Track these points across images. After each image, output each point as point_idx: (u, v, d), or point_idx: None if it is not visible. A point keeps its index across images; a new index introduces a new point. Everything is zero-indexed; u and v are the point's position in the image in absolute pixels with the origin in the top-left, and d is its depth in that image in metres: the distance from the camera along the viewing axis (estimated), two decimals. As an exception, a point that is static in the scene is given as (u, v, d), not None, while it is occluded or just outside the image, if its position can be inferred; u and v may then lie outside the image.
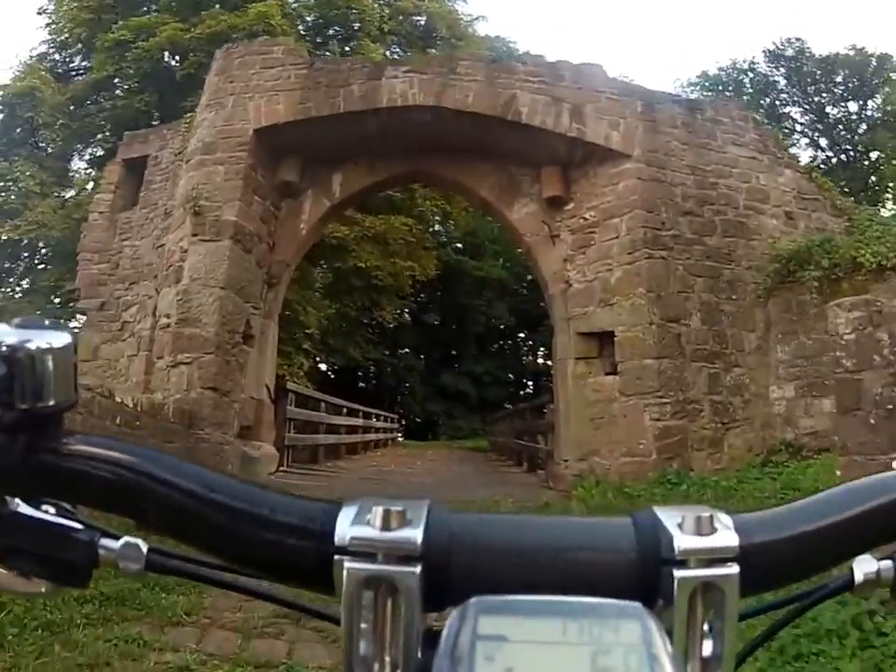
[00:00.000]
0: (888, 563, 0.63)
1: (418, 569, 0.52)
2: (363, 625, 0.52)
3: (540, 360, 55.21)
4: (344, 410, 22.84)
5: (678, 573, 0.53)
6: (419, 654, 0.52)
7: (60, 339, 0.60)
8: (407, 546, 0.53)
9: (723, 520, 0.56)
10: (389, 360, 47.73)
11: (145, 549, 0.61)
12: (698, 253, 14.05)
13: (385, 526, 0.53)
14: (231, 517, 0.59)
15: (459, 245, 49.16)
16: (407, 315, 48.57)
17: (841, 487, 0.64)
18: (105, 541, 0.61)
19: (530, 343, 56.00)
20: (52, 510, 0.63)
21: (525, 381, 56.69)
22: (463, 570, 0.54)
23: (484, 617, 0.48)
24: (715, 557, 0.54)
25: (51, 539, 0.61)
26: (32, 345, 0.58)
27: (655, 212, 13.92)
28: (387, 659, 0.52)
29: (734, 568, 0.54)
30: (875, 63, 41.97)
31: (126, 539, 0.62)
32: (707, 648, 0.54)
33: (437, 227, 36.03)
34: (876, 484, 0.63)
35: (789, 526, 0.59)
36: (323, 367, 42.35)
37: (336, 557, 0.54)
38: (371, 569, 0.52)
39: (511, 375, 53.89)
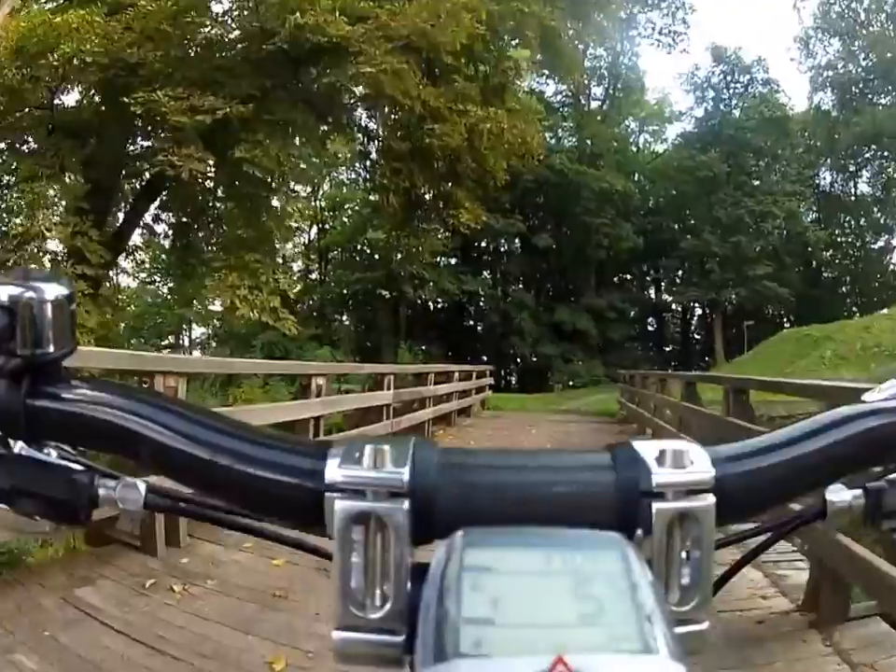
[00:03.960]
0: (858, 492, 0.59)
1: (406, 505, 0.49)
2: (354, 559, 0.49)
3: (665, 296, 45.46)
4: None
5: (656, 504, 0.50)
6: (408, 587, 0.49)
7: (58, 290, 0.56)
8: (394, 482, 0.49)
9: (699, 453, 0.53)
10: (492, 293, 37.03)
11: (143, 488, 0.57)
12: None
13: (373, 465, 0.50)
14: (224, 457, 0.55)
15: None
16: (516, 241, 38.00)
17: (812, 419, 0.60)
18: (104, 481, 0.57)
19: (652, 273, 45.07)
20: (54, 452, 0.58)
21: (647, 319, 46.27)
22: (448, 504, 0.51)
23: (470, 549, 0.45)
24: (691, 489, 0.51)
25: (53, 480, 0.57)
26: (32, 296, 0.55)
27: None
28: (377, 592, 0.49)
29: (709, 499, 0.51)
30: None
31: (125, 479, 0.57)
32: (686, 576, 0.51)
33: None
34: (846, 415, 0.59)
35: (762, 458, 0.56)
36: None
37: (327, 495, 0.51)
38: (360, 506, 0.49)
39: (630, 312, 42.87)
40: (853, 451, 0.57)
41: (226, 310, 13.36)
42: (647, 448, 0.52)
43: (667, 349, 45.90)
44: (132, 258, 19.14)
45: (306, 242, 37.49)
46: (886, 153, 40.91)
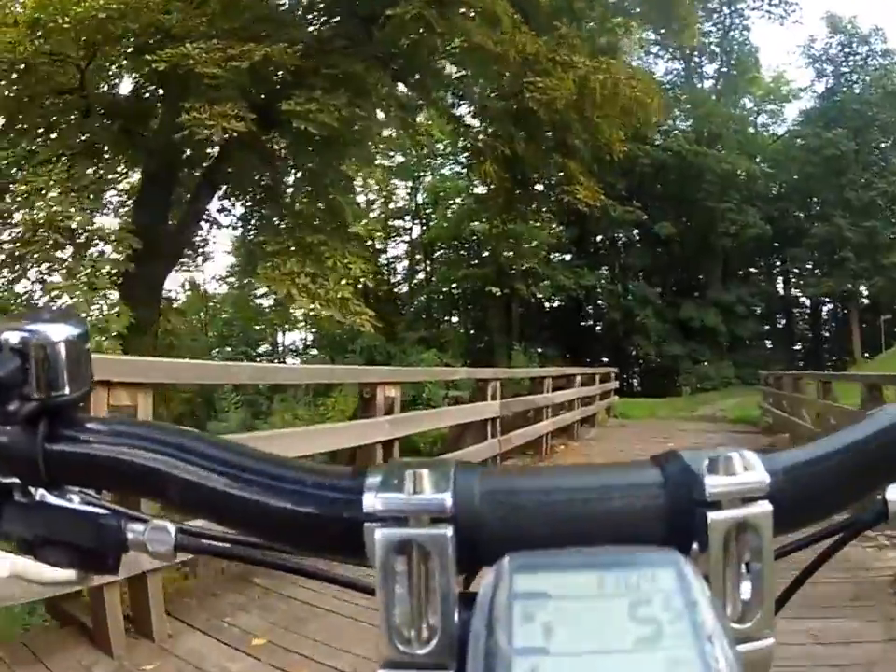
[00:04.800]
0: None
1: (450, 531, 0.47)
2: (398, 591, 0.47)
3: (795, 292, 41.65)
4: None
5: (711, 515, 0.48)
6: (456, 618, 0.47)
7: (72, 329, 0.56)
8: (437, 508, 0.47)
9: (752, 458, 0.50)
10: (611, 289, 33.97)
11: (173, 530, 0.55)
12: None
13: (414, 490, 0.48)
14: (256, 490, 0.53)
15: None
16: (635, 232, 35.01)
17: (869, 419, 0.56)
18: (132, 525, 0.55)
19: (779, 264, 41.53)
20: (76, 497, 0.57)
21: (775, 314, 42.13)
22: (494, 528, 0.49)
23: (519, 575, 0.44)
24: (746, 496, 0.49)
25: (78, 526, 0.56)
26: (44, 337, 0.55)
27: None
28: (424, 625, 0.47)
29: (766, 506, 0.49)
30: None
31: (154, 521, 0.56)
32: (746, 590, 0.49)
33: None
34: None
35: (818, 461, 0.54)
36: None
37: (366, 525, 0.49)
38: (402, 534, 0.47)
39: (756, 308, 38.72)
40: None
41: (290, 302, 11.07)
42: (696, 457, 0.49)
43: (795, 347, 42.31)
44: (200, 255, 17.60)
45: (409, 239, 35.89)
46: None
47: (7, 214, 11.50)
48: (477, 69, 13.45)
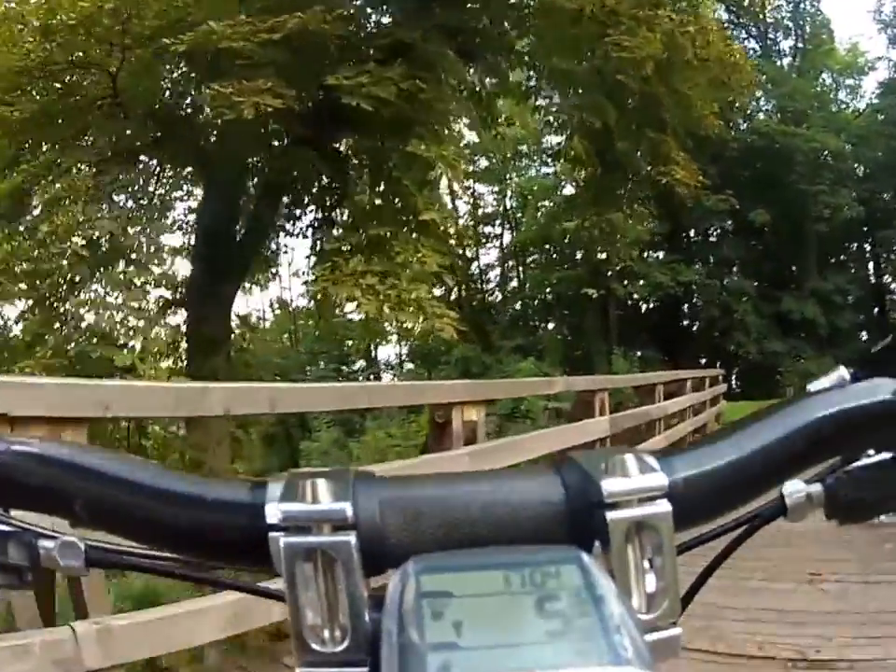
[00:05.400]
0: (817, 486, 0.59)
1: (353, 538, 0.49)
2: (309, 595, 0.49)
3: (886, 278, 38.68)
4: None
5: (609, 515, 0.50)
6: (367, 618, 0.49)
7: None
8: (338, 516, 0.49)
9: (649, 460, 0.52)
10: (707, 283, 31.84)
11: (82, 546, 0.55)
12: None
13: (315, 499, 0.49)
14: (160, 502, 0.54)
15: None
16: (728, 222, 33.35)
17: (764, 414, 0.59)
18: (42, 542, 0.56)
19: (869, 249, 38.72)
20: None
21: (869, 303, 38.65)
22: (396, 533, 0.51)
23: (426, 575, 0.45)
24: (644, 496, 0.51)
25: None
26: None
27: None
28: (336, 625, 0.49)
29: (664, 505, 0.51)
30: None
31: (62, 538, 0.56)
32: (651, 584, 0.51)
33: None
34: (797, 408, 0.59)
35: (715, 459, 0.56)
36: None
37: (271, 534, 0.50)
38: (306, 542, 0.49)
39: (850, 297, 35.65)
40: (806, 444, 0.56)
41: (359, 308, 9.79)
42: (594, 459, 0.51)
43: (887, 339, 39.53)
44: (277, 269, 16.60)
45: (500, 245, 34.91)
46: None
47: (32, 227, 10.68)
48: (553, 34, 11.98)
